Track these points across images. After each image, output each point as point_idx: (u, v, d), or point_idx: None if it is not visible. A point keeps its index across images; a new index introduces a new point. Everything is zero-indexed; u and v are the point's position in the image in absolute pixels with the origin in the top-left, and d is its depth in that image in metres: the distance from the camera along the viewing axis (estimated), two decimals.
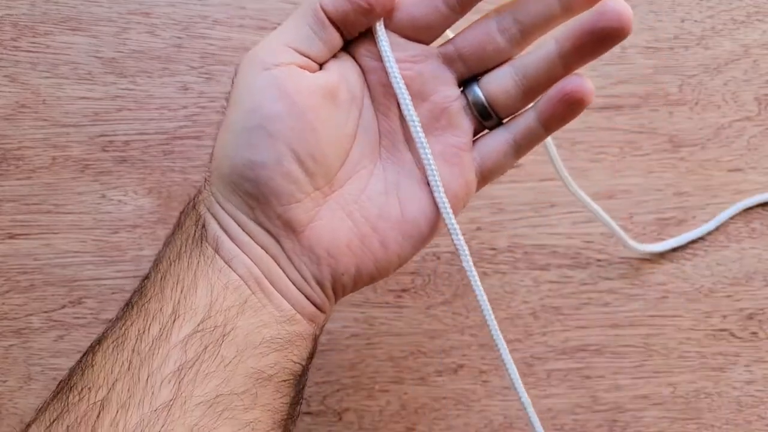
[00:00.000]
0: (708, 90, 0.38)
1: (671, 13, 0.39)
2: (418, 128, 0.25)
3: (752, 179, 0.38)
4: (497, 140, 0.26)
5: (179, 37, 0.37)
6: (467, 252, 0.26)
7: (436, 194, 0.25)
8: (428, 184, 0.26)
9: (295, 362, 0.25)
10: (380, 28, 0.24)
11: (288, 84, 0.23)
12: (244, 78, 0.24)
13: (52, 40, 0.37)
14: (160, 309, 0.23)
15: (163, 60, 0.37)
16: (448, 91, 0.25)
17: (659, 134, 0.38)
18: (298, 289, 0.25)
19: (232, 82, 0.25)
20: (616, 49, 0.38)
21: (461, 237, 0.26)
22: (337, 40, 0.25)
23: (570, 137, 0.38)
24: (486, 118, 0.26)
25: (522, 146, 0.26)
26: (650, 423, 0.37)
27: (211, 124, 0.37)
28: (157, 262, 0.25)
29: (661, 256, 0.38)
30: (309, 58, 0.24)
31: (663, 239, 0.38)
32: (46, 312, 0.37)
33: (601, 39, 0.23)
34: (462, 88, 0.26)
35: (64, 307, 0.37)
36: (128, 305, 0.25)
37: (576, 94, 0.24)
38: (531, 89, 0.25)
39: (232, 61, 0.37)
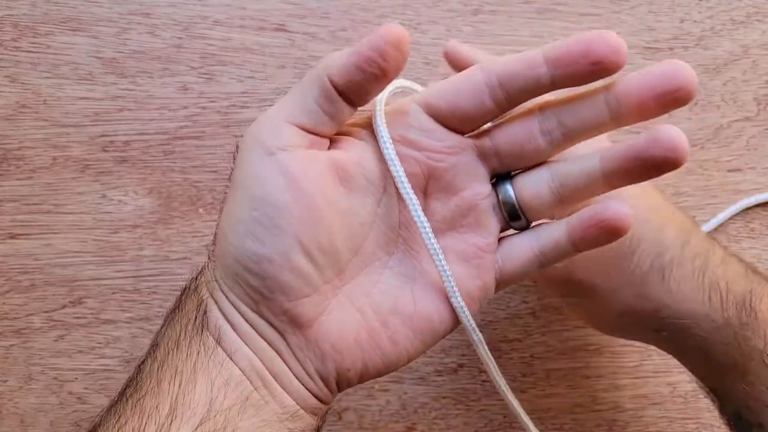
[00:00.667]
0: (707, 90, 0.38)
1: (670, 14, 0.39)
2: (429, 231, 0.24)
3: (751, 179, 0.38)
4: (522, 247, 0.24)
5: (179, 38, 0.38)
6: (492, 360, 0.26)
7: (453, 299, 0.24)
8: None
9: None
10: (381, 123, 0.23)
11: (295, 170, 0.22)
12: (247, 161, 0.22)
13: (53, 40, 0.37)
14: (156, 407, 0.22)
15: (164, 60, 0.37)
16: (480, 187, 0.24)
17: None
18: (302, 384, 0.24)
19: (234, 161, 0.23)
20: None
21: (482, 339, 0.25)
22: (347, 112, 0.23)
23: None
24: (514, 219, 0.24)
25: (547, 259, 0.24)
26: (649, 422, 0.37)
27: (211, 124, 0.37)
28: (154, 347, 0.24)
29: None
30: (316, 134, 0.23)
31: None
32: (46, 312, 0.37)
33: (650, 167, 0.22)
34: (493, 184, 0.24)
35: (64, 307, 0.37)
36: (122, 396, 0.23)
37: (614, 222, 0.23)
38: (566, 199, 0.24)
39: (233, 62, 0.37)
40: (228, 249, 0.23)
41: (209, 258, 0.24)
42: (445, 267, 0.24)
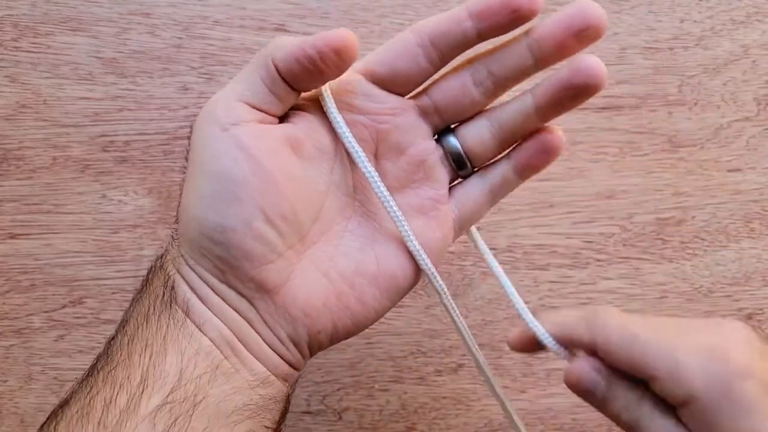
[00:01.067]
0: (707, 90, 0.38)
1: (670, 14, 0.39)
2: (382, 188, 0.25)
3: (751, 179, 0.38)
4: (473, 190, 0.26)
5: (179, 38, 0.38)
6: (452, 302, 0.27)
7: (412, 250, 0.25)
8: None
9: (267, 427, 0.24)
10: (327, 94, 0.24)
11: (250, 143, 0.23)
12: (203, 138, 0.23)
13: (53, 40, 0.37)
14: (128, 377, 0.22)
15: (164, 60, 0.37)
16: (425, 143, 0.26)
17: (658, 134, 0.38)
18: (273, 350, 0.25)
19: (189, 141, 0.24)
20: (615, 50, 0.38)
21: (445, 288, 0.27)
22: (291, 96, 0.24)
23: (570, 137, 0.38)
24: (461, 167, 0.26)
25: (497, 194, 0.27)
26: None
27: None
28: (123, 323, 0.24)
29: (661, 256, 0.38)
30: (265, 113, 0.24)
31: (662, 239, 0.38)
32: (46, 312, 0.37)
33: (576, 94, 0.24)
34: (436, 139, 0.26)
35: (64, 306, 0.37)
36: (93, 369, 0.24)
37: (552, 145, 0.25)
38: (506, 139, 0.25)
39: (232, 62, 0.38)
40: (192, 224, 0.23)
41: (173, 237, 0.25)
42: (402, 221, 0.25)
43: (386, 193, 0.25)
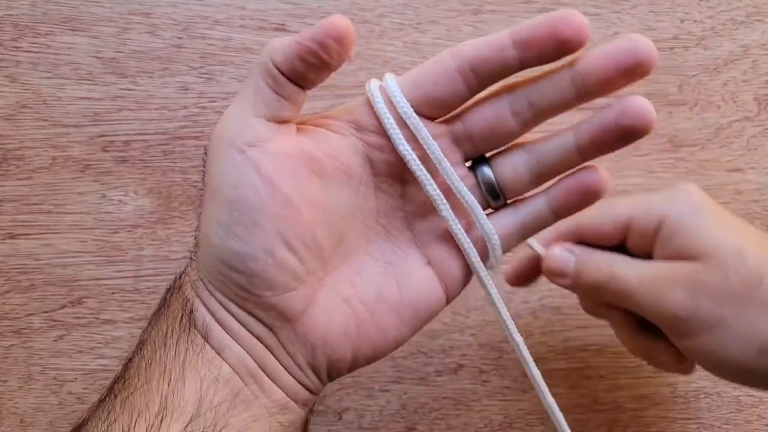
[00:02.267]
0: (708, 90, 0.38)
1: (671, 14, 0.39)
2: (446, 206, 0.24)
3: (751, 179, 0.38)
4: (505, 222, 0.25)
5: (179, 38, 0.38)
6: (502, 302, 0.27)
7: (464, 246, 0.25)
8: (427, 263, 0.25)
9: None
10: (379, 101, 0.23)
11: (267, 166, 0.22)
12: (218, 163, 0.22)
13: (53, 40, 0.37)
14: (146, 405, 0.22)
15: (164, 60, 0.37)
16: (457, 171, 0.24)
17: (659, 134, 0.38)
18: (293, 376, 0.24)
19: (204, 164, 0.23)
20: None
21: (497, 290, 0.26)
22: (301, 94, 0.23)
23: None
24: (495, 198, 0.25)
25: (529, 230, 0.25)
26: (650, 423, 0.37)
27: (211, 124, 0.37)
28: (140, 345, 0.24)
29: None
30: (281, 121, 0.23)
31: None
32: (46, 312, 0.37)
33: (622, 137, 0.23)
34: (469, 167, 0.25)
35: (64, 307, 0.37)
36: (110, 392, 0.23)
37: (594, 187, 0.24)
38: (543, 174, 0.24)
39: (233, 62, 0.37)
40: (211, 250, 0.23)
41: (191, 258, 0.24)
42: (456, 223, 0.24)
43: (448, 208, 0.24)
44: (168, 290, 0.25)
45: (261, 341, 0.24)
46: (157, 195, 0.37)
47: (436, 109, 0.24)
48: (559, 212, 0.25)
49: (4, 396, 0.36)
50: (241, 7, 0.38)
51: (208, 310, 0.23)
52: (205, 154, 0.23)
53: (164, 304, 0.25)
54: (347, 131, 0.24)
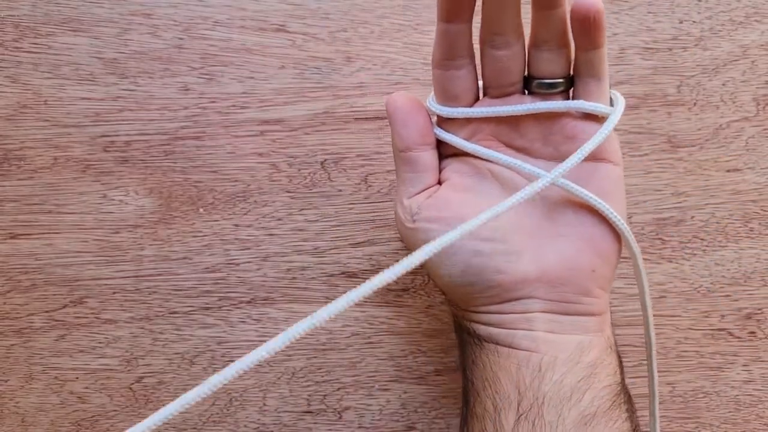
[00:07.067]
0: (706, 91, 0.38)
1: (670, 14, 0.39)
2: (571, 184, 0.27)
3: (750, 179, 0.38)
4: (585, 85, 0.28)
5: (180, 38, 0.38)
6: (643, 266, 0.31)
7: (609, 215, 0.28)
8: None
9: (607, 385, 0.27)
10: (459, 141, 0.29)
11: (433, 215, 0.27)
12: (410, 241, 0.28)
13: (54, 41, 0.37)
14: (485, 409, 0.27)
15: (164, 61, 0.37)
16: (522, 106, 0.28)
17: (658, 135, 0.38)
18: (568, 314, 0.27)
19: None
20: (614, 50, 0.38)
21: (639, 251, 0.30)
22: (434, 157, 0.29)
23: None
24: (555, 87, 0.27)
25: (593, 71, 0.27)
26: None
27: (212, 124, 0.37)
28: (463, 370, 0.30)
29: (660, 255, 0.38)
30: (428, 188, 0.28)
31: (661, 239, 0.38)
32: (47, 312, 0.37)
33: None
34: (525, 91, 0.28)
35: (65, 306, 0.37)
36: (464, 416, 0.29)
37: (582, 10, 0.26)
38: (564, 44, 0.27)
39: (233, 62, 0.38)
40: (454, 295, 0.29)
41: (454, 314, 0.31)
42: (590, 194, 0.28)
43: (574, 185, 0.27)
44: (455, 330, 0.32)
45: (527, 312, 0.27)
46: (158, 195, 0.37)
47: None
48: (581, 45, 0.26)
49: (5, 395, 0.36)
50: (241, 8, 0.38)
51: (480, 323, 0.29)
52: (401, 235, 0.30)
53: (460, 342, 0.31)
54: (452, 160, 0.30)
